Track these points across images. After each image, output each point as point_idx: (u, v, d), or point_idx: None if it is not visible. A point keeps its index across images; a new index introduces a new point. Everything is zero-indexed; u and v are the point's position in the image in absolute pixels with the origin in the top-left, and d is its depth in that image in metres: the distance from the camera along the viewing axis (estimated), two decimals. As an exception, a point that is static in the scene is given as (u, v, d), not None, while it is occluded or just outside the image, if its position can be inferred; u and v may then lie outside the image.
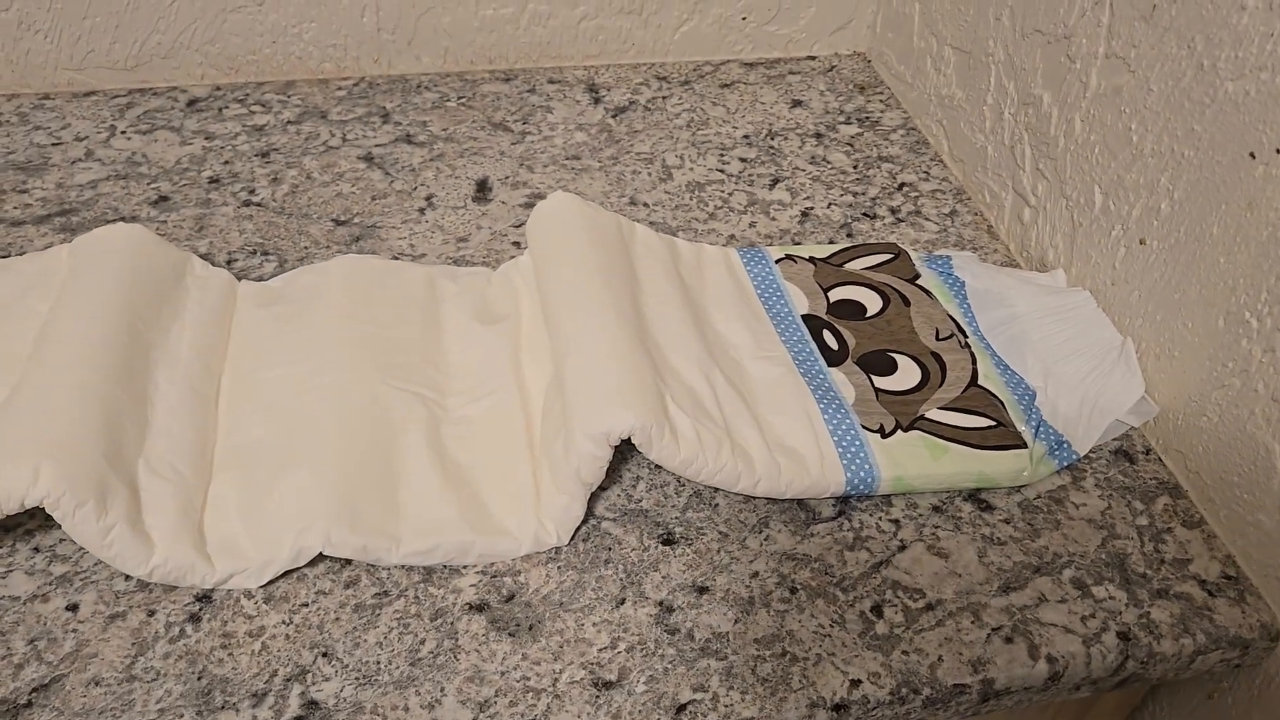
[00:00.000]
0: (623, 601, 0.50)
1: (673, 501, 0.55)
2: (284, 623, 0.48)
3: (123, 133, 0.75)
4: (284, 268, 0.65)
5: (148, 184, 0.71)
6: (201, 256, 0.65)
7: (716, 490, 0.55)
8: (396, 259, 0.66)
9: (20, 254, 0.64)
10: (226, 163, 0.73)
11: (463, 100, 0.82)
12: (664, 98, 0.84)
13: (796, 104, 0.85)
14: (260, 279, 0.64)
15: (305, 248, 0.67)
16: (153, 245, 0.57)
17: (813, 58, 0.90)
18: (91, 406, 0.48)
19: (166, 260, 0.58)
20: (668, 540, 0.53)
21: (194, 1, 0.76)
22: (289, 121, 0.78)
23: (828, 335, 0.61)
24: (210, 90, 0.80)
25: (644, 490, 0.55)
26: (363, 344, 0.56)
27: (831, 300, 0.64)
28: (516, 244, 0.69)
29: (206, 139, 0.75)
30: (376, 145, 0.76)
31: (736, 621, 0.49)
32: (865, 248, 0.68)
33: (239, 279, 0.62)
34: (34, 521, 0.51)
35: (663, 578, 0.51)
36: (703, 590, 0.51)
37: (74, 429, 0.47)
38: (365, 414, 0.52)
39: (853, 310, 0.63)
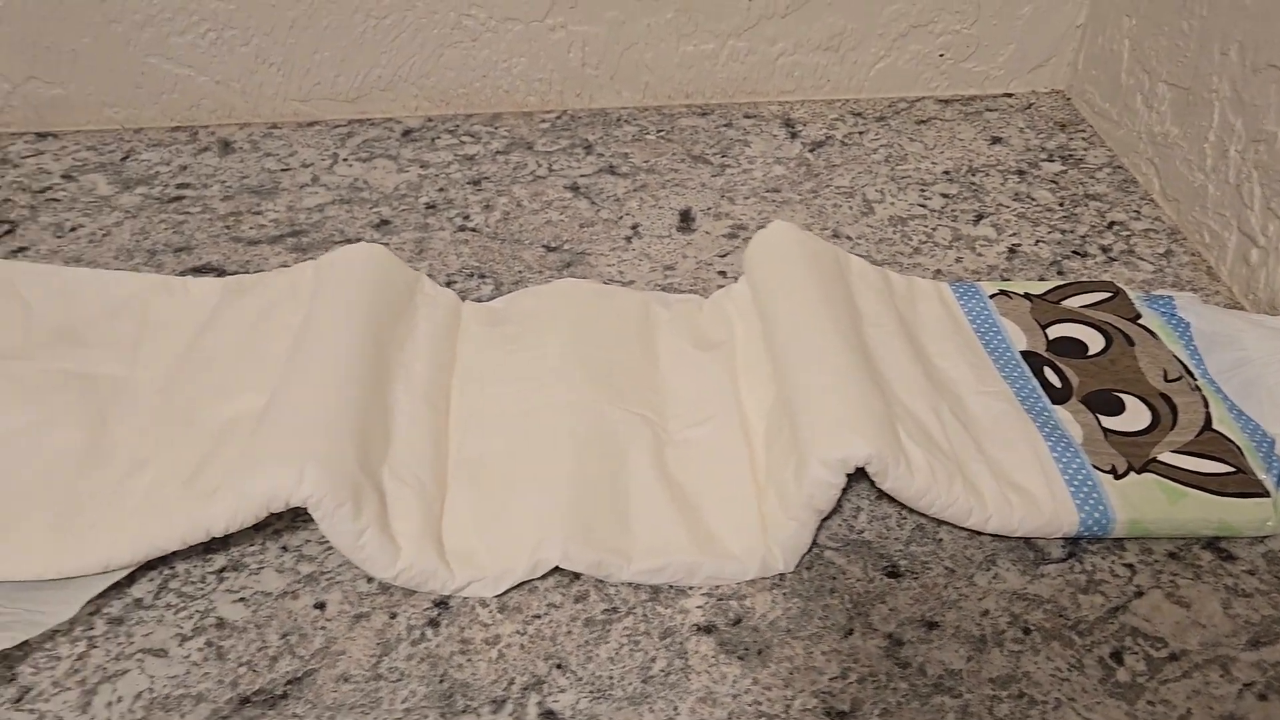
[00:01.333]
0: (850, 632, 0.49)
1: (895, 534, 0.54)
2: (518, 632, 0.49)
3: (345, 160, 0.79)
4: (500, 290, 0.67)
5: (370, 208, 0.74)
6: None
7: (940, 524, 0.54)
8: (608, 285, 0.67)
9: (258, 271, 0.68)
10: (441, 189, 0.76)
11: (661, 133, 0.83)
12: (860, 133, 0.84)
13: (995, 140, 0.84)
14: (479, 300, 0.66)
15: (519, 271, 0.69)
16: (391, 264, 0.60)
17: (1009, 95, 0.89)
18: (346, 414, 0.50)
19: (402, 279, 0.60)
20: (892, 573, 0.52)
21: (414, 37, 0.80)
22: (498, 152, 0.80)
23: (1049, 372, 0.60)
24: (423, 121, 0.84)
25: (865, 521, 0.54)
26: (587, 365, 0.57)
27: (1050, 337, 0.62)
28: (723, 274, 0.69)
29: (422, 167, 0.78)
30: (581, 175, 0.78)
31: (969, 659, 0.48)
32: (1081, 285, 0.67)
33: (464, 300, 0.65)
34: (281, 522, 0.53)
35: (890, 610, 0.50)
36: (932, 625, 0.50)
37: (332, 435, 0.49)
38: (594, 432, 0.54)
39: (1073, 348, 0.62)
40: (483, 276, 0.69)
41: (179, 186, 0.76)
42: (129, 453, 0.52)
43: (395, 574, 0.49)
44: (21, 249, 0.69)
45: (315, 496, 0.47)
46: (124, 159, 0.79)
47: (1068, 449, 0.54)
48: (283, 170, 0.78)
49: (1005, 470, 0.53)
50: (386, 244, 0.71)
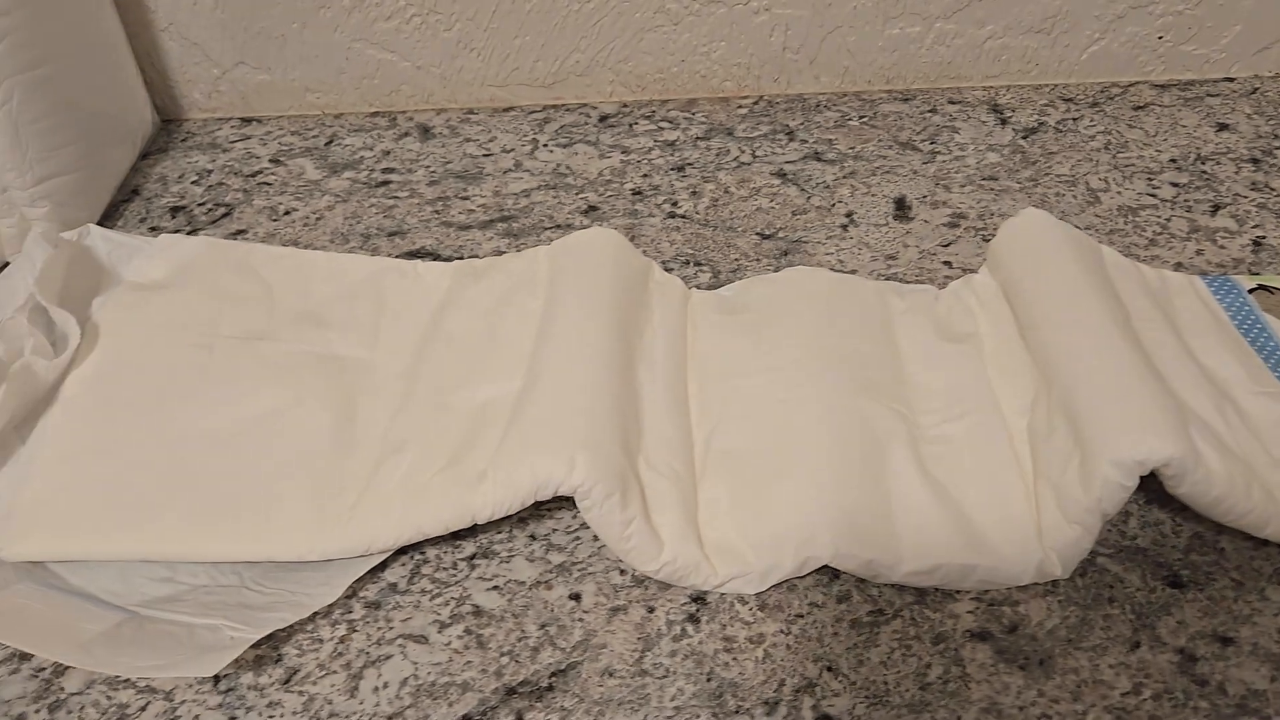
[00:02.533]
0: (1137, 645, 0.46)
1: (1171, 541, 0.50)
2: (782, 632, 0.47)
3: (544, 145, 0.78)
4: (719, 279, 0.66)
5: (576, 194, 0.73)
6: (640, 264, 0.66)
7: (1220, 532, 0.50)
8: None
9: (472, 256, 0.67)
10: (645, 175, 0.75)
11: (864, 119, 0.80)
12: (1074, 119, 0.80)
13: (1222, 127, 0.79)
14: (699, 289, 0.64)
15: (736, 259, 0.67)
16: (626, 250, 0.59)
17: (1230, 79, 0.84)
18: (605, 402, 0.49)
19: (636, 264, 0.59)
20: (1174, 583, 0.49)
21: (615, 21, 0.78)
22: (698, 137, 0.79)
23: (1325, 373, 0.56)
24: (618, 107, 0.82)
25: (1137, 527, 0.51)
26: (834, 356, 0.55)
27: (1322, 336, 0.58)
28: (947, 264, 0.67)
29: (623, 153, 0.77)
30: (787, 162, 0.76)
31: (1274, 680, 0.45)
32: (1349, 280, 0.62)
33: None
34: (526, 510, 0.52)
35: (1177, 623, 0.47)
36: (1227, 641, 0.46)
37: (598, 422, 0.48)
38: (850, 426, 0.51)
39: (1351, 347, 0.57)
40: (699, 264, 0.67)
41: (384, 171, 0.76)
42: (382, 435, 0.52)
43: (659, 567, 0.47)
44: (240, 231, 0.70)
45: (586, 485, 0.45)
46: (328, 144, 0.79)
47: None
48: (485, 155, 0.77)
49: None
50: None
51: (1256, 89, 0.83)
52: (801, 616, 0.48)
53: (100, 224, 0.70)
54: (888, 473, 0.50)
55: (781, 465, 0.50)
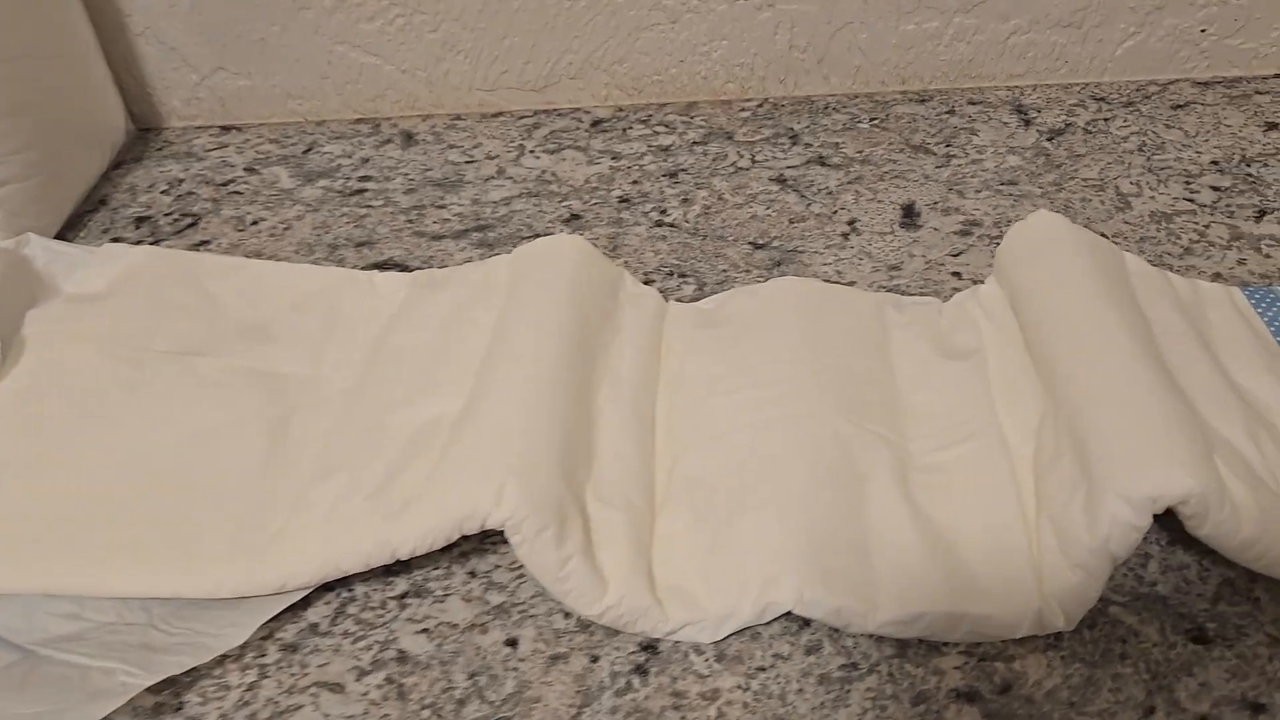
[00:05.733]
0: (1151, 710, 0.40)
1: (1197, 589, 0.44)
2: (740, 687, 0.41)
3: (531, 152, 0.74)
4: (703, 291, 0.60)
5: (559, 202, 0.68)
6: (619, 275, 0.61)
7: (1255, 579, 0.44)
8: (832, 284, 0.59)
9: (442, 266, 0.63)
10: (635, 182, 0.70)
11: (875, 122, 0.75)
12: (1105, 119, 0.74)
13: (1272, 127, 0.72)
14: (680, 301, 0.59)
15: (724, 270, 0.62)
16: (593, 258, 0.54)
17: (1281, 76, 0.77)
18: (549, 425, 0.44)
19: (604, 274, 0.54)
20: (1199, 638, 0.42)
21: (609, 20, 0.74)
22: (694, 142, 0.74)
23: (1380, 396, 0.49)
24: (613, 111, 0.78)
25: (1157, 571, 0.45)
26: (818, 374, 0.49)
27: (1377, 354, 0.51)
28: (956, 274, 0.61)
29: (613, 159, 0.72)
30: (788, 167, 0.71)
31: (1315, 756, 0.38)
32: None
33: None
34: (469, 543, 0.47)
35: (1200, 685, 0.41)
36: (1257, 708, 0.40)
37: (536, 448, 0.43)
38: (829, 453, 0.46)
39: None
40: (684, 276, 0.62)
41: (360, 179, 0.72)
42: (314, 458, 0.47)
43: (601, 611, 0.42)
44: (204, 242, 0.66)
45: (515, 519, 0.40)
46: (306, 151, 0.75)
47: None
48: (467, 163, 0.73)
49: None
50: (578, 239, 0.65)
51: (1311, 85, 0.76)
52: (763, 670, 0.42)
53: (62, 234, 0.67)
54: (869, 506, 0.44)
55: (748, 497, 0.45)
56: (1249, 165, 0.68)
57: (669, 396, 0.51)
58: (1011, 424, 0.48)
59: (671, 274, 0.62)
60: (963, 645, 0.42)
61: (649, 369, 0.51)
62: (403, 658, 0.43)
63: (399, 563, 0.46)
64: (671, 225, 0.66)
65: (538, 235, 0.66)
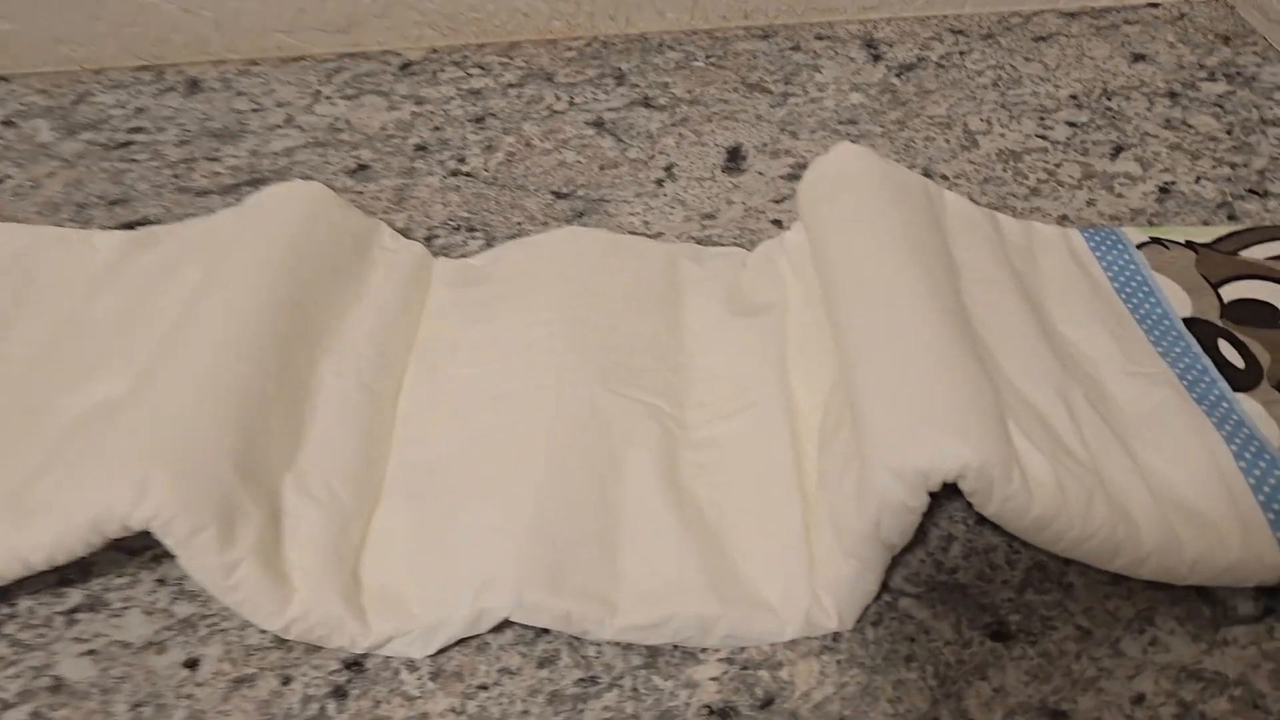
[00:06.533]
0: (935, 722, 0.34)
1: (1003, 574, 0.38)
2: (454, 710, 0.35)
3: (327, 98, 0.66)
4: (493, 245, 0.53)
5: (347, 151, 0.61)
6: (398, 230, 0.53)
7: (1069, 563, 0.38)
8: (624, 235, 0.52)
9: (200, 226, 0.55)
10: (436, 129, 0.62)
11: (712, 60, 0.68)
12: (961, 53, 0.67)
13: (1139, 58, 0.66)
14: (464, 258, 0.52)
15: (518, 223, 0.55)
16: (333, 208, 0.46)
17: (1154, 4, 0.71)
18: (225, 402, 0.36)
19: (348, 227, 0.47)
20: (999, 633, 0.36)
21: (411, -52, 0.66)
22: (510, 85, 0.66)
23: (1225, 347, 0.43)
24: (426, 53, 0.70)
25: (959, 555, 0.38)
26: (581, 337, 0.42)
27: (1225, 300, 0.45)
28: (777, 223, 0.54)
29: (416, 104, 0.65)
30: (608, 109, 0.63)
31: (1118, 774, 0.32)
32: (1266, 231, 0.49)
33: (438, 257, 0.51)
34: (161, 546, 0.40)
35: (994, 691, 0.34)
36: (1057, 716, 0.34)
37: (200, 433, 0.35)
38: (579, 429, 0.39)
39: (1261, 314, 0.44)
40: (472, 230, 0.54)
41: (130, 131, 0.64)
42: (-37, 450, 0.39)
43: (285, 624, 0.35)
44: (-66, 204, 0.58)
45: (163, 517, 0.33)
46: (75, 102, 0.67)
47: (1260, 455, 0.38)
48: (253, 111, 0.65)
49: (1170, 485, 0.36)
50: (361, 192, 0.57)
51: (1184, 14, 0.70)
52: (485, 688, 0.35)
53: None
54: (621, 492, 0.38)
55: (476, 484, 0.38)
56: (1109, 99, 0.62)
57: (417, 368, 0.43)
58: (805, 389, 0.41)
59: (459, 228, 0.55)
60: (724, 652, 0.36)
61: (397, 337, 0.44)
62: (57, 686, 0.36)
63: (75, 569, 0.38)
64: (468, 175, 0.59)
65: (316, 189, 0.58)
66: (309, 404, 0.40)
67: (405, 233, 0.54)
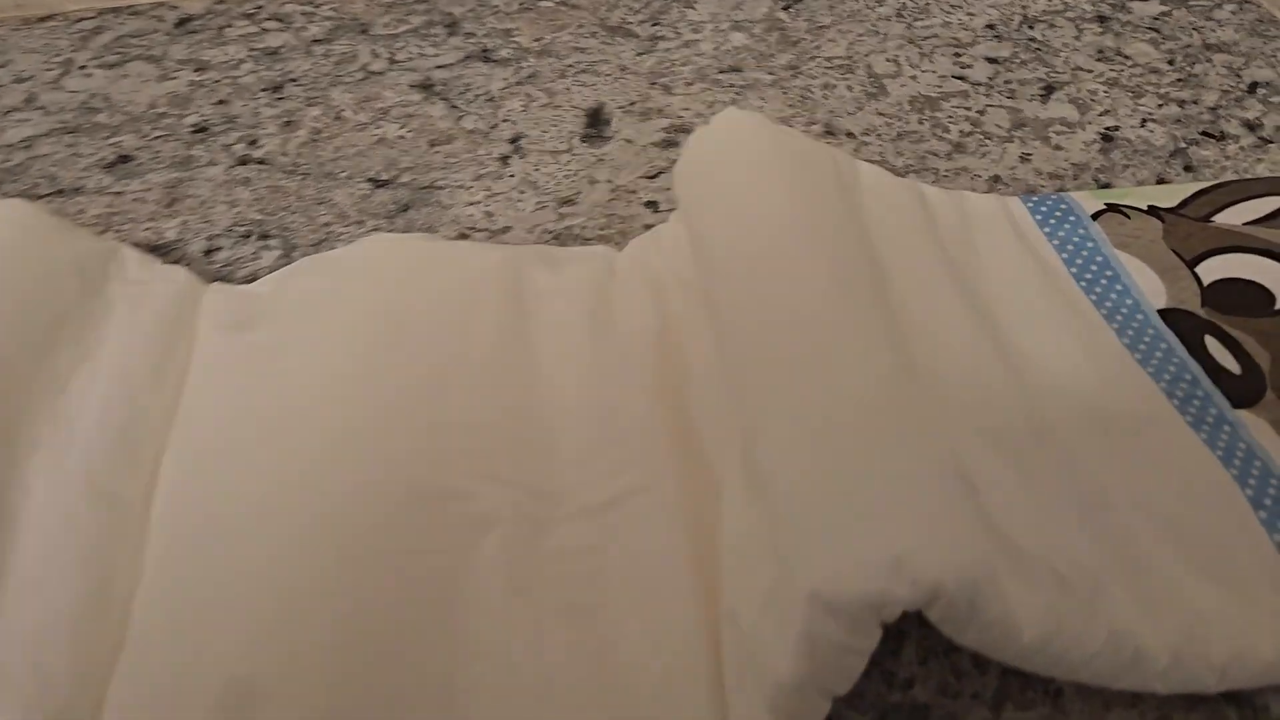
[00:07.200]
0: None
1: (973, 684, 0.29)
2: None
3: (81, 68, 0.52)
4: (290, 257, 0.41)
5: (104, 139, 0.48)
6: (167, 243, 0.42)
7: (1054, 661, 0.29)
8: (464, 237, 0.41)
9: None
10: (221, 103, 0.50)
11: (563, 0, 0.56)
12: (857, -22, 0.57)
13: (1054, -24, 0.57)
14: (252, 278, 0.40)
15: (326, 224, 0.43)
16: (44, 232, 0.34)
17: (1070, -89, 0.62)
18: None
19: (70, 257, 0.34)
20: (974, 773, 0.27)
21: (174, -128, 0.52)
22: (315, 40, 0.54)
23: (1214, 346, 0.34)
24: (209, 5, 0.57)
25: (914, 661, 0.29)
26: (393, 402, 0.31)
27: (1205, 282, 0.36)
28: (652, 205, 0.43)
29: (196, 71, 0.52)
30: (439, 67, 0.51)
31: None
32: (1242, 187, 0.41)
33: (214, 280, 0.39)
34: None
35: None
36: None
37: None
38: (395, 541, 0.28)
39: (1249, 298, 0.36)
40: (265, 237, 0.43)
41: None
42: None
43: None
44: None
45: None
46: None
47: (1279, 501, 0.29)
48: (-17, 89, 0.51)
49: (1182, 563, 0.28)
50: (121, 192, 0.45)
51: (1103, -78, 0.61)
52: None
53: None
54: (460, 624, 0.27)
55: (257, 630, 0.27)
56: (1032, 28, 0.53)
57: (178, 456, 0.32)
58: (704, 449, 0.31)
59: (248, 235, 0.43)
60: (613, 840, 0.26)
61: (147, 412, 0.32)
62: None
63: None
64: (261, 162, 0.46)
65: (61, 191, 0.45)
66: (6, 528, 0.28)
67: (176, 246, 0.42)
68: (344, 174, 0.45)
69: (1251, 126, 0.47)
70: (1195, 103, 0.48)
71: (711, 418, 0.32)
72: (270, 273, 0.39)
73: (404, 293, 0.35)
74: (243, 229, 0.43)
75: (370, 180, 0.45)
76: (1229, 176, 0.44)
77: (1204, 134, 0.46)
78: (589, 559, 0.29)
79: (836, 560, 0.23)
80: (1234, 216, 0.39)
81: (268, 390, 0.32)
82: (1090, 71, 0.50)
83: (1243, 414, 0.32)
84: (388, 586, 0.27)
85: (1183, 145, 0.46)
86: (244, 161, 0.46)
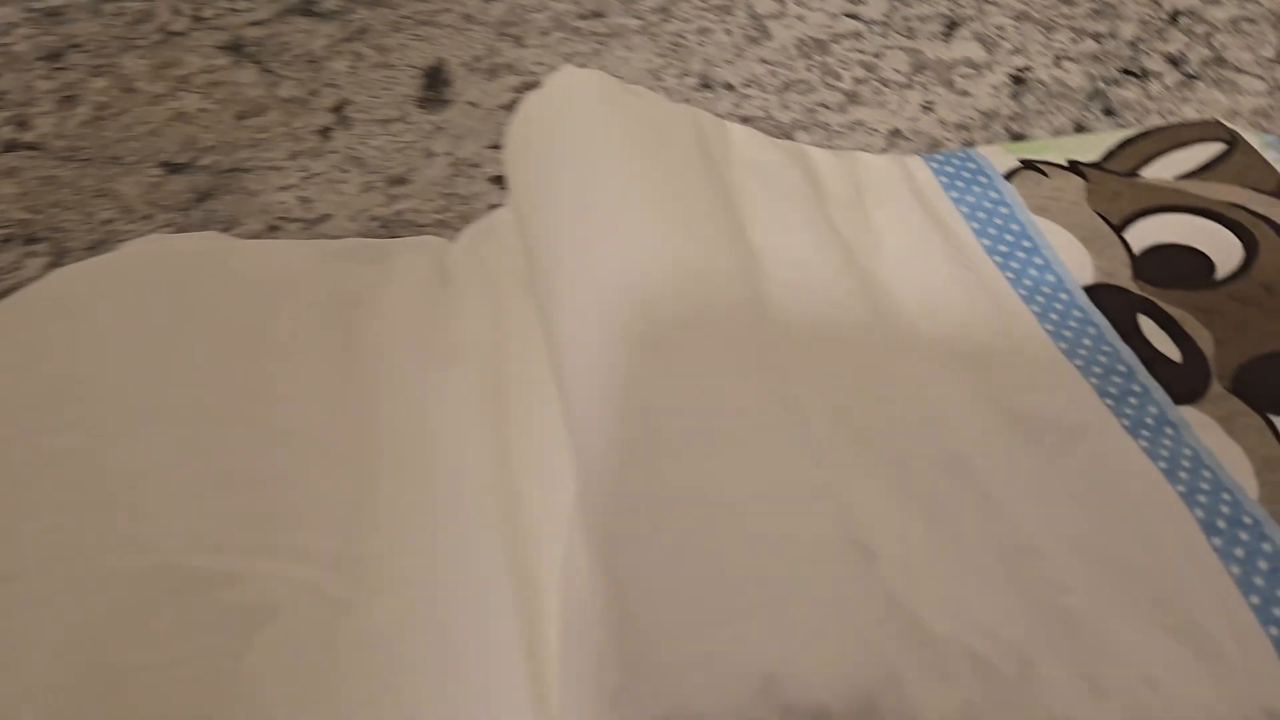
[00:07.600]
0: None
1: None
2: None
3: None
4: (62, 263, 0.34)
5: None
6: (-98, 257, 0.34)
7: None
8: (273, 230, 0.35)
9: None
10: (-13, 75, 0.42)
11: (402, -62, 0.49)
12: (735, -94, 0.50)
13: (958, -103, 0.51)
14: (10, 290, 0.33)
15: (107, 221, 0.36)
16: None
17: None
18: None
19: None
20: None
21: None
22: (106, -3, 0.46)
23: (1149, 327, 0.29)
24: (-19, -43, 0.48)
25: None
26: (150, 452, 0.25)
27: (1136, 250, 0.31)
28: (499, 180, 0.37)
29: (-41, 38, 0.44)
30: (251, 24, 0.44)
31: None
32: (1171, 134, 0.36)
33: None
34: None
35: None
36: None
37: None
38: (130, 655, 0.22)
39: (1186, 267, 0.31)
40: (32, 241, 0.35)
41: None
42: None
43: None
44: None
45: None
46: None
47: (1237, 519, 0.24)
48: None
49: (1115, 615, 0.22)
50: None
51: None
52: None
53: None
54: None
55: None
56: (931, -45, 0.47)
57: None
58: (542, 495, 0.25)
59: (11, 239, 0.35)
60: None
61: None
62: None
63: None
64: (33, 147, 0.39)
65: None
66: None
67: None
68: (132, 158, 0.38)
69: (1175, 61, 0.42)
70: (1113, 36, 0.43)
71: (532, 443, 0.26)
72: (35, 283, 0.32)
73: (176, 306, 0.28)
74: (5, 230, 0.35)
75: (163, 165, 0.38)
76: (1154, 120, 0.39)
77: (1124, 71, 0.41)
78: (392, 629, 0.23)
79: (694, 666, 0.17)
80: (1164, 169, 0.34)
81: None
82: (997, 4, 0.44)
83: (1186, 411, 0.27)
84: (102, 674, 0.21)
85: (1101, 86, 0.40)
86: (11, 148, 0.39)
